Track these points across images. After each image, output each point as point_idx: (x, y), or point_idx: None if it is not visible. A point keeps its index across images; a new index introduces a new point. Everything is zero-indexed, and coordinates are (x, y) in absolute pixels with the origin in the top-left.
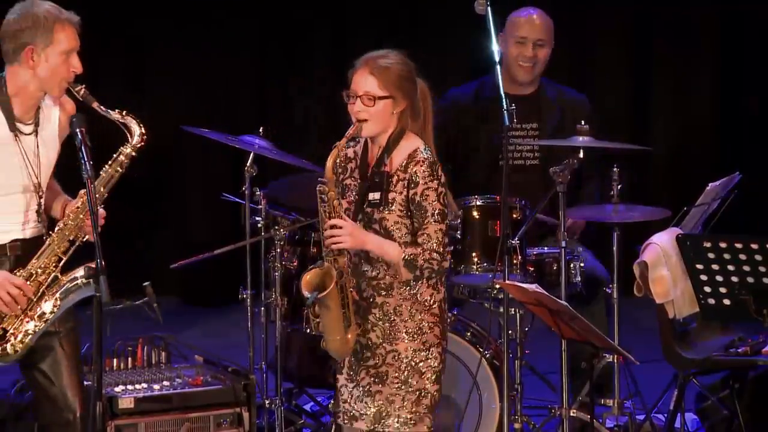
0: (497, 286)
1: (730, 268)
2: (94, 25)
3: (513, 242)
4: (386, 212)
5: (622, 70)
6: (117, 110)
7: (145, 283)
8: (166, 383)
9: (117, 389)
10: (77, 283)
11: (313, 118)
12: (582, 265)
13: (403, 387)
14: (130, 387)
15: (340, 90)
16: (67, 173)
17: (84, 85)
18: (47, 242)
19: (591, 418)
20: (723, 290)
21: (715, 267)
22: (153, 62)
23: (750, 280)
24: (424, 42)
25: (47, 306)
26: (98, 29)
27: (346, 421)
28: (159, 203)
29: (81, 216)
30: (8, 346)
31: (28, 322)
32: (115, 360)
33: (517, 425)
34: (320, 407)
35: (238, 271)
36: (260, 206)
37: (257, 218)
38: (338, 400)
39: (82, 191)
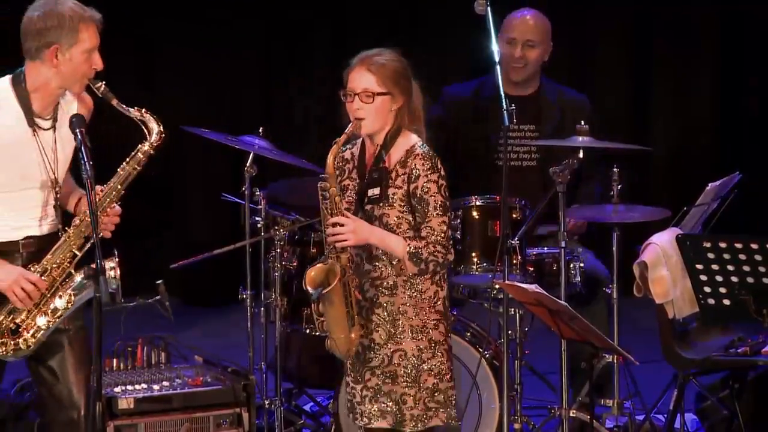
0: (497, 286)
1: (730, 268)
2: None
3: (513, 242)
4: (387, 208)
5: (622, 70)
6: (136, 108)
7: (158, 281)
8: (165, 384)
9: (117, 390)
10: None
11: (313, 118)
12: (582, 265)
13: (414, 386)
14: (129, 387)
15: (340, 90)
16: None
17: (104, 82)
18: (62, 238)
19: (591, 418)
20: (723, 290)
21: (714, 267)
22: (153, 61)
23: (750, 280)
24: (424, 42)
25: (60, 302)
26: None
27: (364, 422)
28: (159, 203)
29: (97, 213)
30: (20, 341)
31: (40, 317)
32: (114, 360)
33: (516, 425)
34: (320, 407)
35: (237, 272)
36: (260, 206)
37: (257, 218)
38: (347, 401)
39: (98, 187)
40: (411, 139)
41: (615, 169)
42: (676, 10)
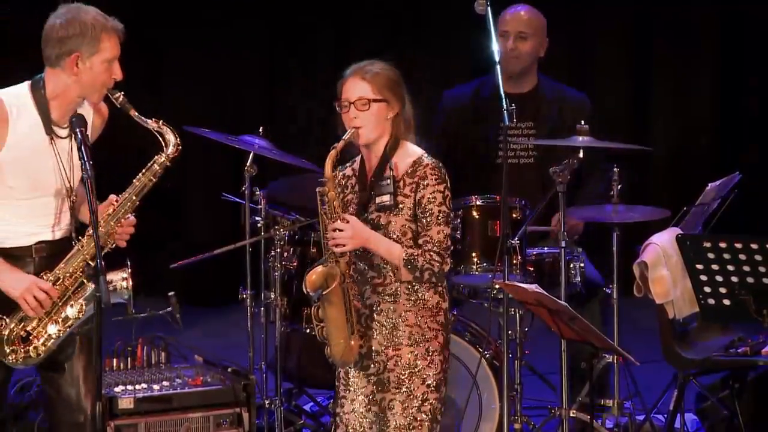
0: (497, 286)
1: (730, 268)
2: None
3: (513, 242)
4: (394, 216)
5: (622, 70)
6: (153, 119)
7: (170, 293)
8: (165, 383)
9: (117, 389)
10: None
11: (316, 120)
12: (582, 265)
13: (403, 392)
14: (129, 387)
15: (335, 102)
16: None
17: (122, 93)
18: (76, 247)
19: (591, 418)
20: (723, 290)
21: (715, 267)
22: (157, 63)
23: (750, 280)
24: (427, 44)
25: (72, 311)
26: None
27: (354, 430)
28: (159, 203)
29: (111, 223)
30: (31, 348)
31: (51, 325)
32: (114, 360)
33: (516, 425)
34: (320, 407)
35: (238, 271)
36: (260, 206)
37: (257, 218)
38: (341, 406)
39: (112, 197)
40: (415, 150)
41: (615, 169)
42: (676, 10)
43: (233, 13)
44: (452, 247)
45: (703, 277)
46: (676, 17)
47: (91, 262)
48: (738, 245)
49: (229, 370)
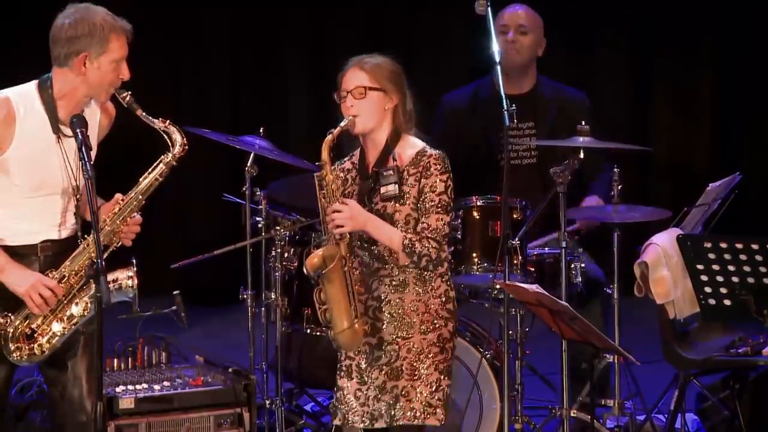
0: (498, 286)
1: (731, 268)
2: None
3: (513, 242)
4: (399, 206)
5: (622, 70)
6: (160, 119)
7: (175, 292)
8: (166, 383)
9: (118, 389)
10: (109, 288)
11: (316, 120)
12: (582, 265)
13: (418, 379)
14: (130, 387)
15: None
16: (106, 176)
17: (130, 92)
18: (81, 246)
19: (591, 418)
20: (723, 290)
21: (715, 267)
22: (157, 62)
23: (750, 280)
24: (425, 44)
25: (77, 309)
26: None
27: (365, 422)
28: (159, 202)
29: (117, 222)
30: (35, 346)
31: (56, 323)
32: (115, 360)
33: (517, 425)
34: (321, 407)
35: (238, 272)
36: (261, 206)
37: (258, 218)
38: (345, 403)
39: (118, 196)
40: (417, 142)
41: (615, 170)
42: (676, 10)
43: (233, 12)
44: (450, 245)
45: (704, 278)
46: (676, 17)
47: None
48: (739, 245)
49: (230, 370)
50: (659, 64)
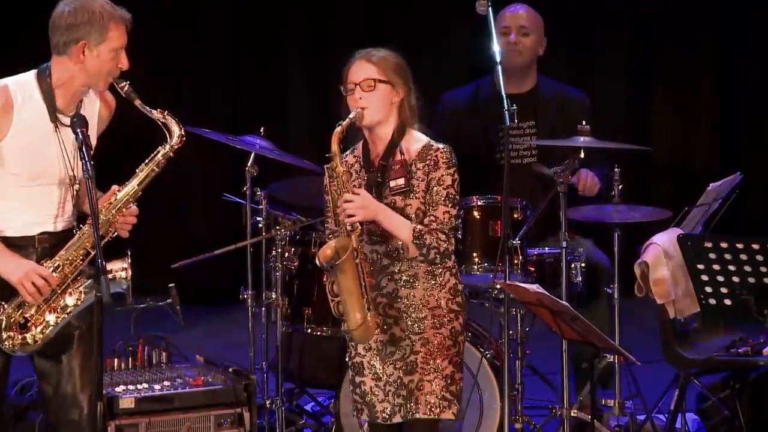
0: (498, 286)
1: (731, 268)
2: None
3: (514, 242)
4: (410, 199)
5: (622, 70)
6: (158, 109)
7: (170, 285)
8: (167, 383)
9: (118, 389)
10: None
11: (316, 120)
12: (583, 265)
13: (432, 372)
14: (131, 387)
15: (340, 86)
16: (104, 167)
17: (128, 82)
18: (77, 235)
19: (592, 418)
20: (724, 290)
21: (716, 267)
22: (157, 61)
23: (751, 280)
24: (426, 43)
25: (71, 299)
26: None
27: (383, 418)
28: (159, 202)
29: (113, 212)
30: (29, 335)
31: (49, 313)
32: (116, 360)
33: (517, 425)
34: (321, 407)
35: (239, 271)
36: (261, 206)
37: (258, 218)
38: (362, 399)
39: (115, 186)
40: (422, 136)
41: (616, 169)
42: (676, 10)
43: (233, 11)
44: (457, 230)
45: (704, 277)
46: (676, 17)
47: (91, 250)
48: (739, 245)
49: (230, 370)
50: (659, 64)
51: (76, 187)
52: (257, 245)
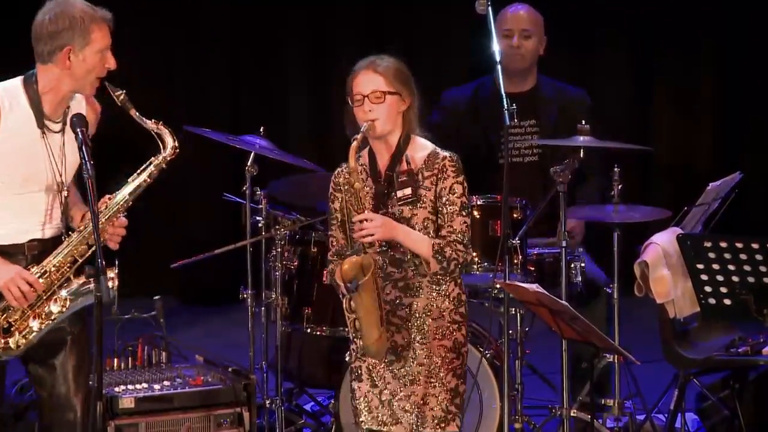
0: (498, 285)
1: (731, 267)
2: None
3: (513, 242)
4: (417, 209)
5: (622, 70)
6: (153, 120)
7: (156, 297)
8: (166, 383)
9: (117, 389)
10: (89, 288)
11: (316, 120)
12: (583, 265)
13: (437, 386)
14: (130, 387)
15: (342, 92)
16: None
17: (124, 91)
18: (66, 242)
19: (591, 418)
20: (724, 290)
21: (715, 267)
22: (157, 61)
23: (751, 279)
24: (424, 43)
25: (55, 306)
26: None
27: (379, 425)
28: (159, 202)
29: (103, 221)
30: (11, 340)
31: (34, 319)
32: (115, 360)
33: (517, 425)
34: (321, 407)
35: (238, 271)
36: (261, 206)
37: (258, 218)
38: (359, 404)
39: (106, 197)
40: (427, 143)
41: (616, 169)
42: (676, 10)
43: (233, 11)
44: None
45: (704, 277)
46: (677, 17)
47: (79, 258)
48: (739, 245)
49: (230, 369)
50: (660, 64)
51: (64, 193)
52: (257, 245)
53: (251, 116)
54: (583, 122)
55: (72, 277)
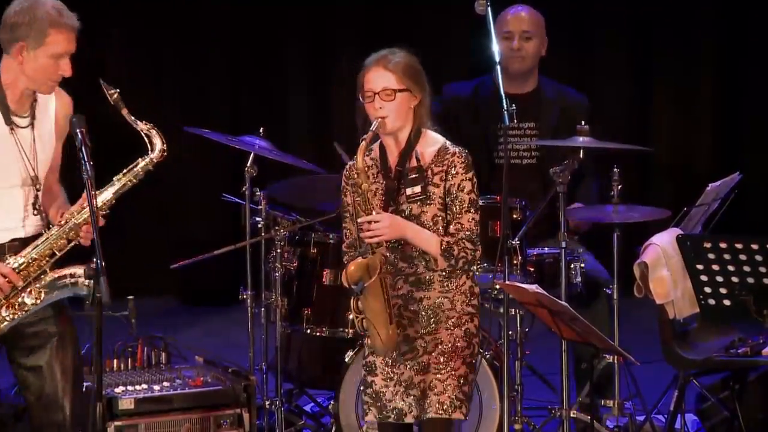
0: (497, 286)
1: (731, 268)
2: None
3: (513, 243)
4: (426, 206)
5: (622, 70)
6: (144, 121)
7: (129, 297)
8: (166, 384)
9: (117, 390)
10: (64, 282)
11: (316, 120)
12: (582, 265)
13: (444, 372)
14: (130, 388)
15: (342, 92)
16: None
17: (118, 90)
18: (45, 235)
19: (591, 418)
20: (723, 291)
21: (715, 267)
22: (156, 61)
23: (750, 280)
24: (424, 43)
25: (29, 299)
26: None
27: (393, 418)
28: (159, 203)
29: (84, 217)
30: None
31: (6, 309)
32: (115, 361)
33: (517, 426)
34: (320, 408)
35: (238, 272)
36: (260, 207)
37: (257, 219)
38: (372, 398)
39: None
40: (437, 138)
41: (615, 170)
42: (676, 10)
43: (233, 11)
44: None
45: (704, 278)
46: (677, 17)
47: (57, 252)
48: (738, 245)
49: (230, 370)
50: (659, 65)
51: (38, 186)
52: (256, 246)
53: (251, 116)
54: (583, 123)
55: (48, 270)
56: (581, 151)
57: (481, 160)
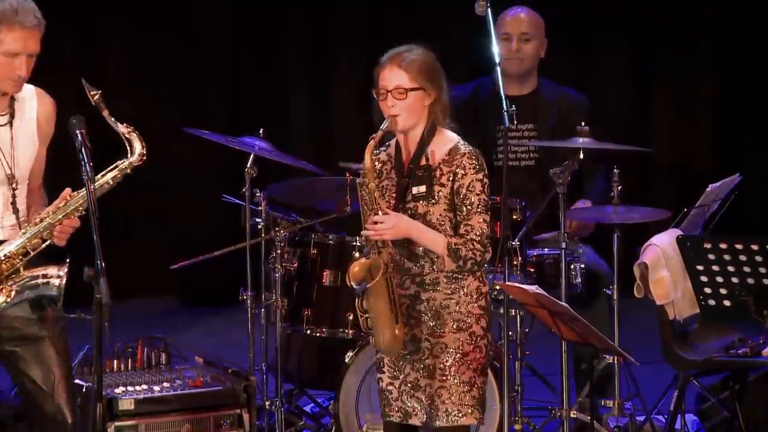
0: (497, 287)
1: (731, 269)
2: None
3: (513, 243)
4: (432, 206)
5: (622, 70)
6: (125, 124)
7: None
8: (166, 384)
9: (117, 391)
10: (37, 282)
11: (316, 120)
12: (582, 266)
13: (451, 379)
14: (130, 388)
15: (342, 92)
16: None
17: (100, 91)
18: (21, 232)
19: (591, 419)
20: (723, 291)
21: (715, 268)
22: (156, 61)
23: (750, 281)
24: (424, 43)
25: (0, 296)
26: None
27: (398, 418)
28: (159, 203)
29: (59, 216)
30: None
31: None
32: (115, 361)
33: (517, 426)
34: (320, 408)
35: (238, 272)
36: (260, 207)
37: (257, 219)
38: (382, 395)
39: (68, 190)
40: (452, 137)
41: (615, 170)
42: (676, 10)
43: (232, 11)
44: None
45: (704, 278)
46: (677, 17)
47: (31, 251)
48: (738, 246)
49: (230, 371)
50: (659, 65)
51: (15, 186)
52: (256, 246)
53: (251, 117)
54: (583, 123)
55: (22, 269)
56: (581, 151)
57: None
